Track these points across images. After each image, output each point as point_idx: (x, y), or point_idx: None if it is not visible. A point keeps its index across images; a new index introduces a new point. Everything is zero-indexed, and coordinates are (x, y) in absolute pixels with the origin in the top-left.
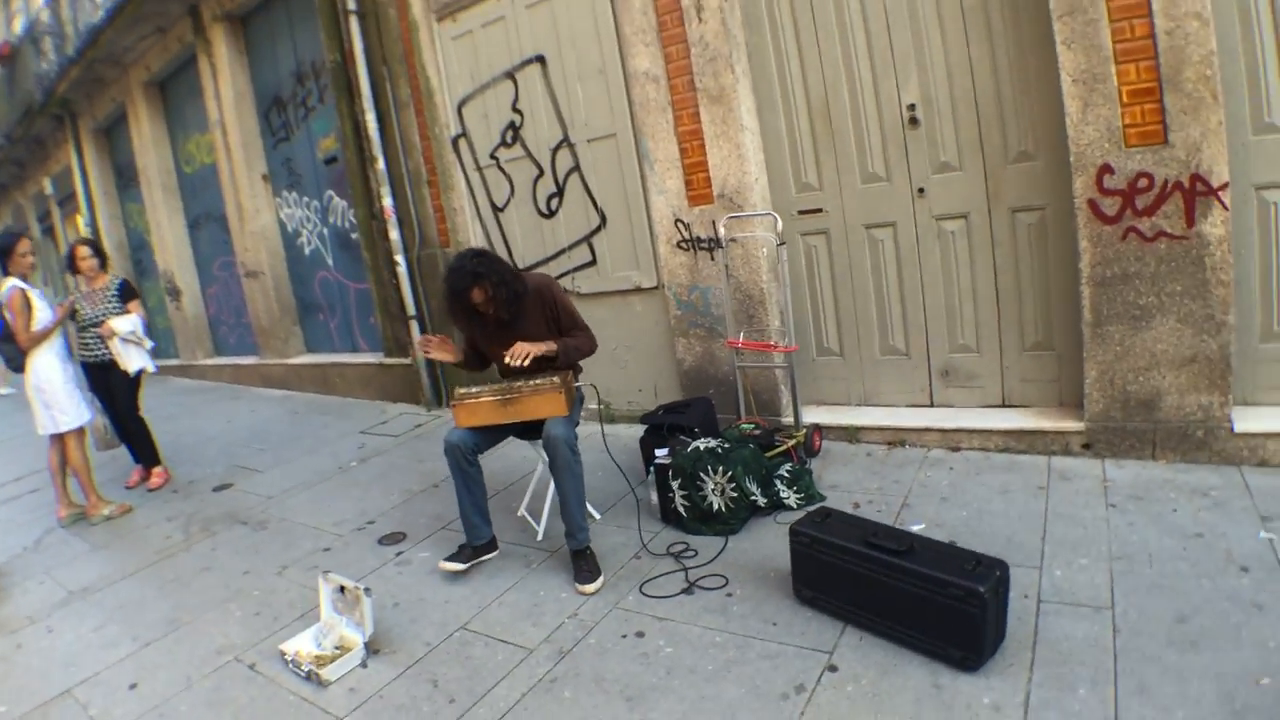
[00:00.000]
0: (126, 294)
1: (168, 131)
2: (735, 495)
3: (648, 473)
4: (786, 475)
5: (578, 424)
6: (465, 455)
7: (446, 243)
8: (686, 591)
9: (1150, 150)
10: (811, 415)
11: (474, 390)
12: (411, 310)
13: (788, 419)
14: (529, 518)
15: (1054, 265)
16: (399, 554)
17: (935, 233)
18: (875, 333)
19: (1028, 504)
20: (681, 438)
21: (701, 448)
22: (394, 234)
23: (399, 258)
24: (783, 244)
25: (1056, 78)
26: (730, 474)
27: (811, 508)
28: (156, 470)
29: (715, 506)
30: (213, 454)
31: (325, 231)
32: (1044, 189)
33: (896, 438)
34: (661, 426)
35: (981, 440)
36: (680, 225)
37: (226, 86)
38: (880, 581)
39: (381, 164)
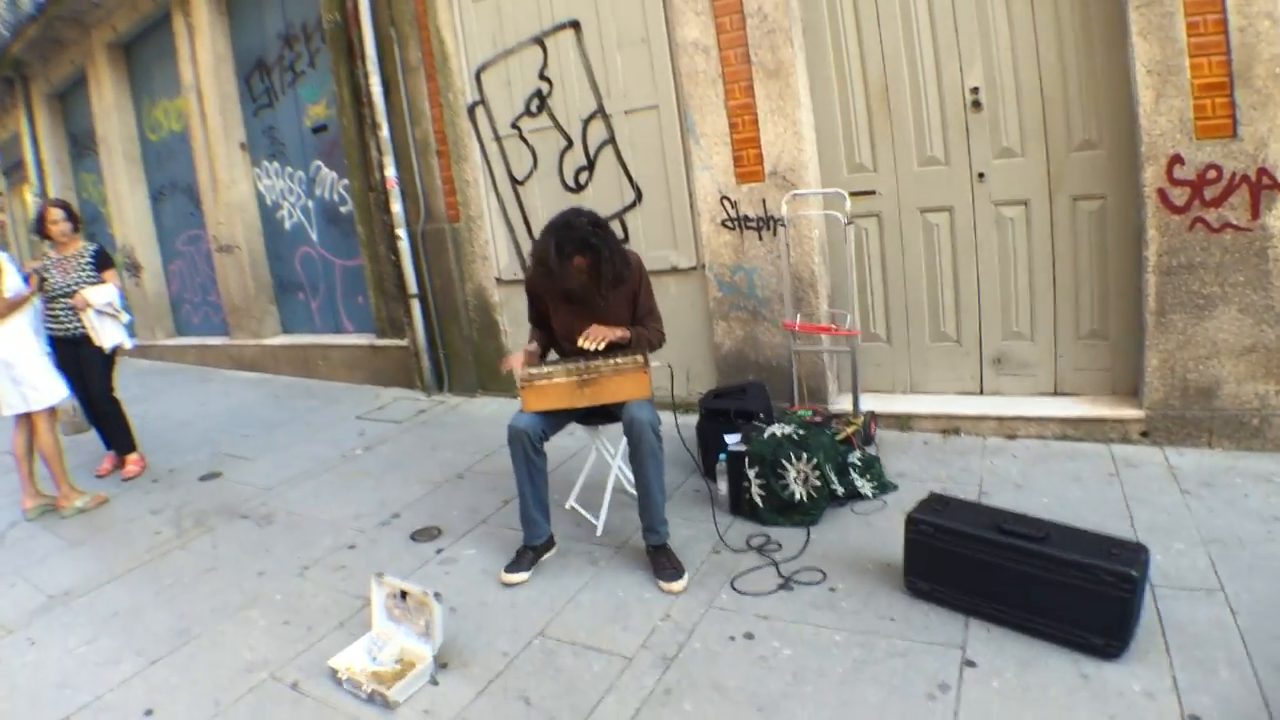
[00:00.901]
0: (102, 262)
1: (132, 97)
2: (819, 484)
3: (702, 460)
4: (859, 463)
5: None
6: (533, 443)
7: (455, 217)
8: (784, 587)
9: (1219, 143)
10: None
11: (545, 370)
12: (414, 288)
13: (836, 405)
14: (582, 510)
15: (1113, 254)
16: (439, 551)
17: (994, 219)
18: (926, 319)
19: (1104, 491)
20: (754, 424)
21: (779, 434)
22: (396, 206)
23: (401, 231)
24: (850, 223)
25: (1126, 67)
26: (814, 461)
27: (887, 496)
28: (132, 457)
29: (797, 496)
30: (190, 440)
31: (310, 205)
32: (1107, 178)
33: (950, 425)
34: (727, 412)
35: (1039, 428)
36: (726, 203)
37: (204, 49)
38: (1014, 570)
39: (386, 131)
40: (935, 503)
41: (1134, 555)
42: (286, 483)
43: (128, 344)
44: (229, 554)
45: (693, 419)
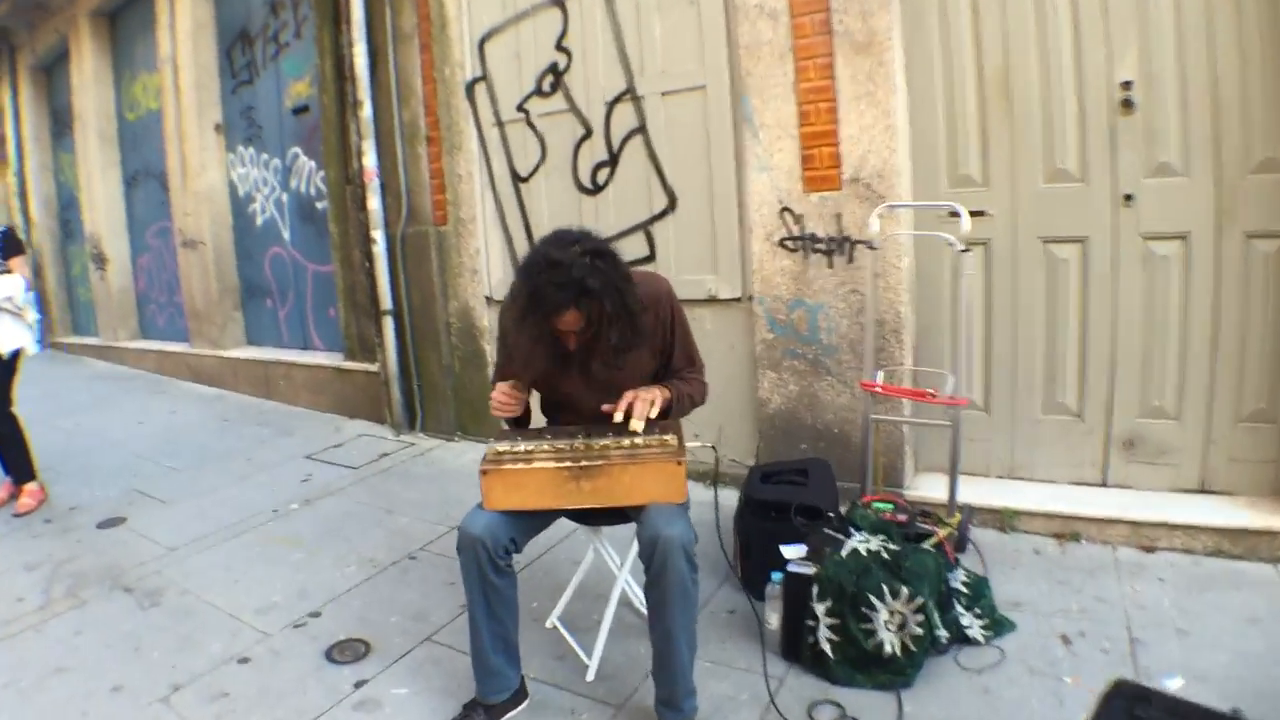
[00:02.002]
0: (9, 247)
1: (113, 69)
2: (919, 631)
3: (740, 566)
4: (964, 590)
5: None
6: (494, 557)
7: (442, 219)
8: None
9: None
10: (940, 488)
11: (520, 449)
12: (387, 303)
13: (914, 491)
14: (567, 635)
15: None
16: (359, 684)
17: (1140, 256)
18: (1038, 383)
19: None
20: (825, 531)
21: (863, 552)
22: (374, 203)
23: (377, 234)
24: (967, 250)
25: None
26: (917, 599)
27: (1003, 639)
28: (28, 488)
29: (887, 648)
30: (111, 467)
31: (284, 198)
32: None
33: (1067, 529)
34: (782, 508)
35: (1185, 538)
36: (788, 216)
37: (184, 14)
38: None
39: (368, 110)
40: (1130, 699)
41: None
42: (195, 543)
43: (31, 349)
44: (90, 648)
45: (719, 497)
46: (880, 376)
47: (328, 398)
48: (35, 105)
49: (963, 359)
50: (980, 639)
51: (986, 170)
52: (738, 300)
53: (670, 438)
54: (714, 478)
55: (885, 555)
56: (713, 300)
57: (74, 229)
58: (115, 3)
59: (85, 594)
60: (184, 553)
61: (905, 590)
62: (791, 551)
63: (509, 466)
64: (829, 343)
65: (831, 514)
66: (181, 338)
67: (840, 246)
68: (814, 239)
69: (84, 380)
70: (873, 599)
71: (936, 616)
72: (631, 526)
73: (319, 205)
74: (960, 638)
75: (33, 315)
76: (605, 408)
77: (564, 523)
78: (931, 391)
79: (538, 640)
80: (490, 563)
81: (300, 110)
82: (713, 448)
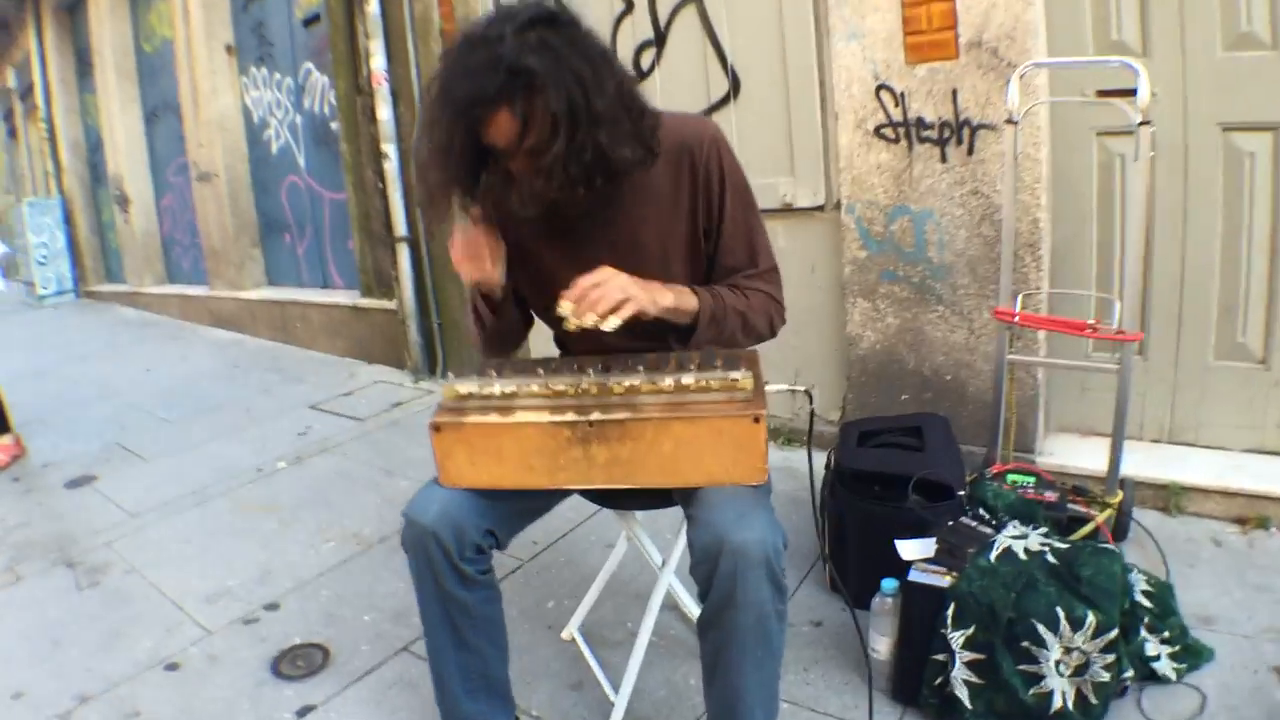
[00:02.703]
0: None
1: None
2: (1106, 678)
3: (832, 560)
4: (1146, 605)
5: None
6: (457, 562)
7: None
8: None
9: None
10: (1079, 454)
11: (494, 390)
12: (402, 229)
13: (1048, 458)
14: (588, 654)
15: None
16: (304, 712)
17: None
18: (1211, 320)
19: None
20: (960, 520)
21: (1020, 551)
22: (384, 112)
23: (389, 147)
24: (1146, 123)
25: None
26: (1108, 633)
27: (1196, 675)
28: (1, 442)
29: (1057, 699)
30: (101, 419)
31: (298, 121)
32: None
33: (1252, 511)
34: (889, 481)
35: None
36: (886, 96)
37: None
38: None
39: (375, 5)
40: None
41: None
42: (160, 509)
43: None
44: (6, 638)
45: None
46: (1018, 303)
47: (344, 340)
48: (60, 47)
49: (1130, 280)
50: (1170, 675)
51: (1146, 34)
52: (820, 209)
53: (741, 375)
54: (808, 434)
55: (1052, 559)
56: (788, 210)
57: (102, 173)
58: None
59: (24, 568)
60: (145, 520)
61: (1091, 617)
62: (913, 550)
63: (475, 419)
64: (941, 262)
65: (962, 491)
66: (204, 281)
67: (956, 133)
68: (921, 124)
69: (105, 328)
70: (1041, 629)
71: (1123, 647)
72: (671, 513)
73: (333, 126)
74: (1147, 673)
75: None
76: (562, 299)
77: (577, 500)
78: (1092, 323)
79: (549, 656)
80: (452, 569)
81: (311, 21)
82: (806, 392)
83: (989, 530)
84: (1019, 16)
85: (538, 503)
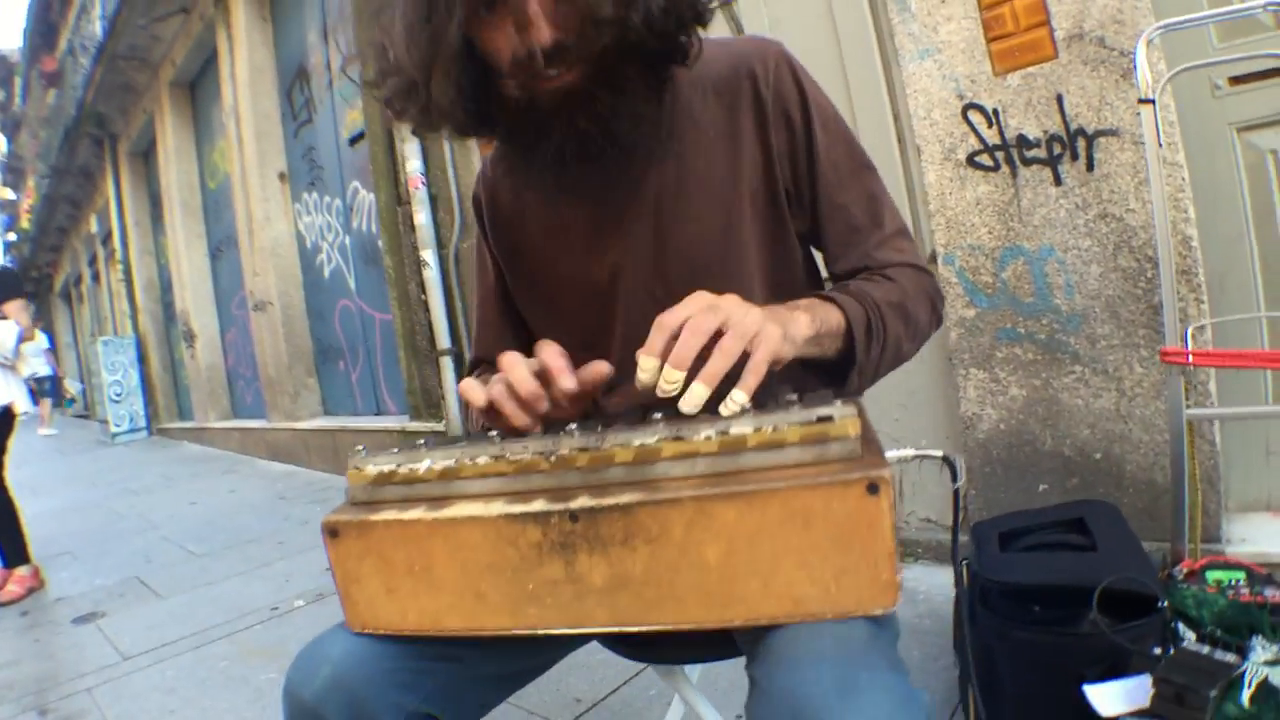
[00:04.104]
0: (3, 290)
1: (194, 139)
2: None
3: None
4: None
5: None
6: None
7: None
8: None
9: None
10: (1275, 535)
11: (420, 466)
12: (444, 340)
13: (1236, 547)
14: None
15: None
16: None
17: None
18: None
19: None
20: (1180, 648)
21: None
22: (422, 217)
23: (428, 254)
24: None
25: None
26: None
27: None
28: (18, 573)
29: None
30: (129, 552)
31: (347, 241)
32: None
33: None
34: (1068, 595)
35: None
36: (976, 117)
37: (242, 61)
38: None
39: None
40: None
41: None
42: (157, 650)
43: (22, 407)
44: None
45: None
46: (1190, 338)
47: None
48: (135, 191)
49: None
50: None
51: None
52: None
53: (838, 411)
54: (953, 526)
55: None
56: None
57: (174, 312)
58: (192, 72)
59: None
60: (137, 663)
61: None
62: (1114, 699)
63: (390, 516)
64: (1072, 309)
65: (1163, 603)
66: (262, 413)
67: (1070, 147)
68: (1024, 144)
69: (165, 463)
70: None
71: None
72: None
73: (379, 243)
74: None
75: (29, 368)
76: (641, 356)
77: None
78: None
79: None
80: None
81: (357, 139)
82: (945, 458)
83: (1230, 658)
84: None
85: (512, 657)
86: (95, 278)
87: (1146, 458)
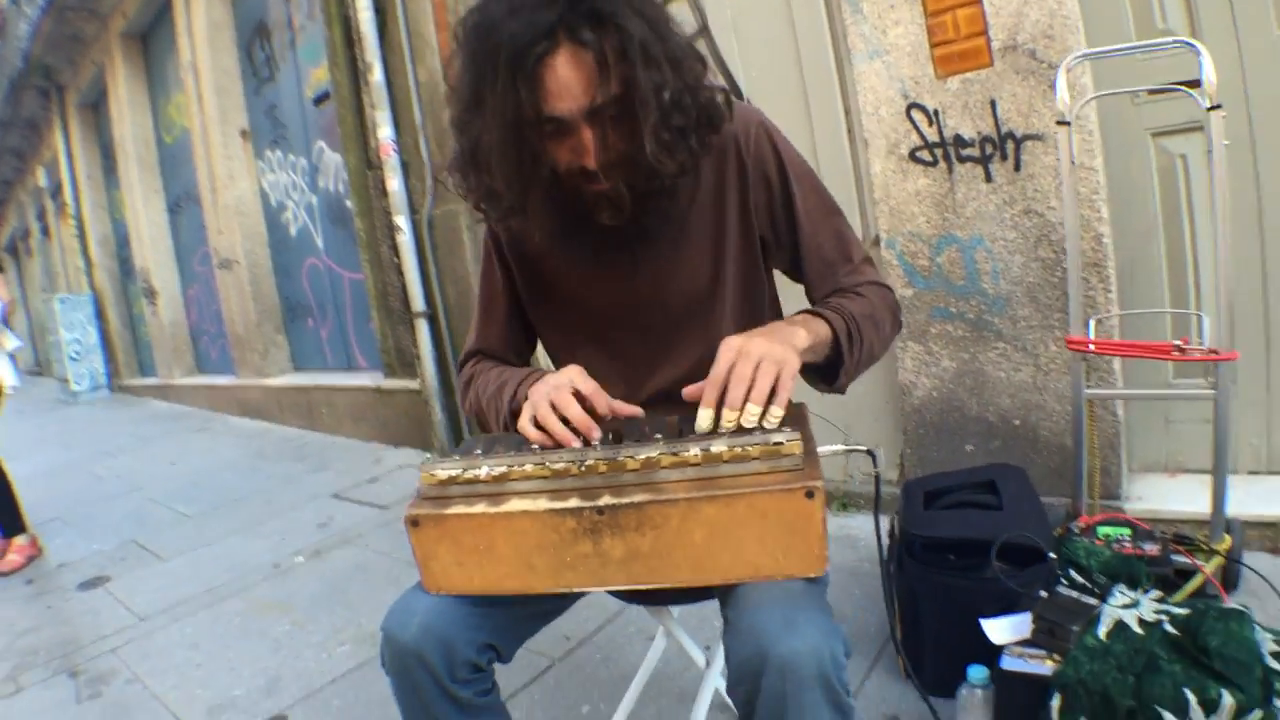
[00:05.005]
0: None
1: (148, 92)
2: None
3: (903, 639)
4: (1276, 668)
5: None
6: (448, 685)
7: None
8: None
9: None
10: (1170, 495)
11: (481, 472)
12: (419, 304)
13: (1137, 503)
14: None
15: None
16: None
17: None
18: None
19: None
20: (1054, 591)
21: (1133, 624)
22: (394, 183)
23: (401, 220)
24: (1217, 107)
25: None
26: (1243, 711)
27: None
28: (17, 543)
29: None
30: (121, 515)
31: (314, 201)
32: None
33: None
34: (974, 546)
35: None
36: (919, 115)
37: (200, 15)
38: None
39: (379, 74)
40: None
41: None
42: (171, 610)
43: (9, 381)
44: None
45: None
46: (1091, 328)
47: (369, 425)
48: (85, 144)
49: (1215, 293)
50: None
51: (1193, 17)
52: None
53: (787, 437)
54: (874, 501)
55: (1172, 629)
56: None
57: (131, 268)
58: (144, 21)
59: (26, 677)
60: (155, 623)
61: (1228, 698)
62: (1004, 630)
63: (459, 510)
64: (997, 293)
65: (1050, 553)
66: (231, 370)
67: (1000, 148)
68: (960, 143)
69: (134, 422)
70: (1169, 718)
71: None
72: (708, 606)
73: (348, 204)
74: None
75: (12, 342)
76: (687, 392)
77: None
78: (1179, 344)
79: None
80: (443, 694)
81: (321, 99)
82: (869, 452)
83: (1093, 601)
84: (1054, 12)
85: (548, 604)
86: (45, 231)
87: (1058, 425)
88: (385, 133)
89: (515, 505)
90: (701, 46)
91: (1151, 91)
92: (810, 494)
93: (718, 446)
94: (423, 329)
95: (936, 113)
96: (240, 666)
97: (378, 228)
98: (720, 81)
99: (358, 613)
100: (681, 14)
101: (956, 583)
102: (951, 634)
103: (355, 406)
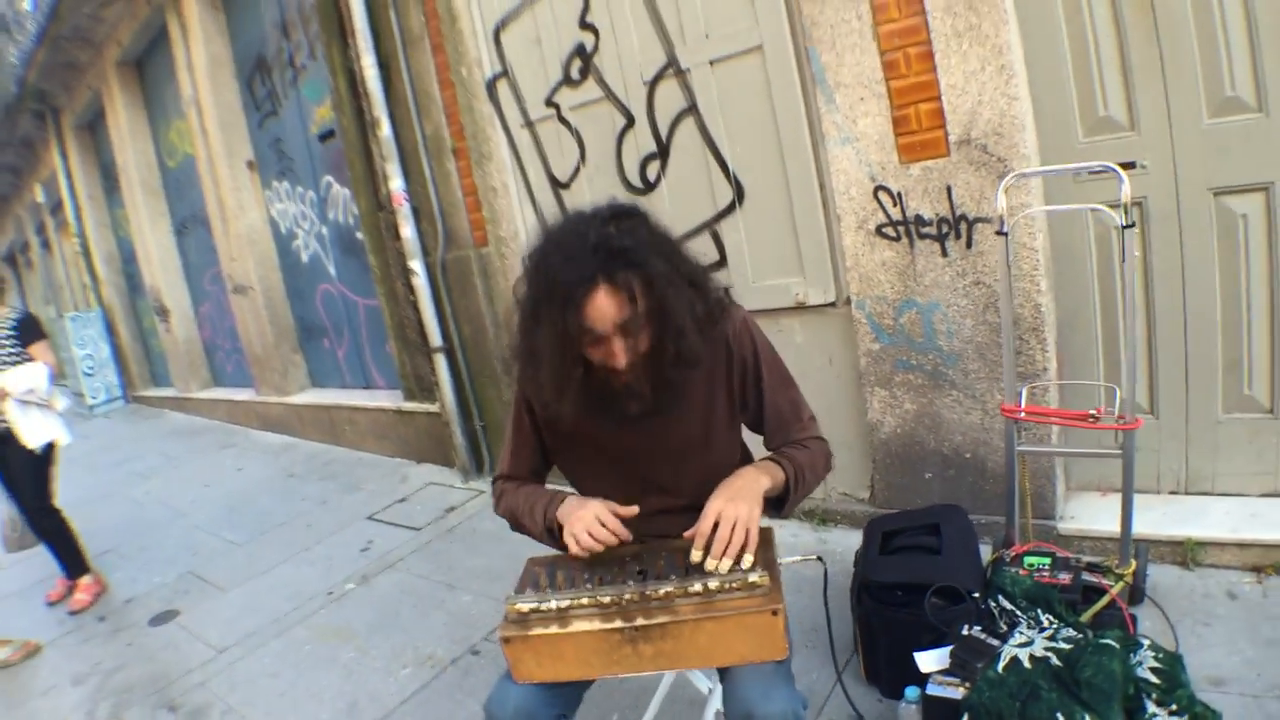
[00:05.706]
0: (27, 333)
1: (148, 119)
2: None
3: (864, 660)
4: (1154, 681)
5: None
6: None
7: (482, 239)
8: None
9: None
10: (1101, 515)
11: (551, 606)
12: (436, 339)
13: (1069, 524)
14: None
15: None
16: None
17: None
18: (1217, 376)
19: None
20: (970, 632)
21: (1024, 660)
22: (407, 230)
23: (415, 264)
24: (1130, 226)
25: None
26: None
27: None
28: (83, 582)
29: None
30: (171, 545)
31: (324, 231)
32: None
33: (1267, 560)
34: (909, 590)
35: None
36: (884, 196)
37: (199, 50)
38: None
39: (386, 128)
40: None
41: None
42: (246, 641)
43: (64, 439)
44: None
45: (831, 538)
46: (1023, 395)
47: (392, 442)
48: (84, 164)
49: (1127, 365)
50: None
51: (1132, 108)
52: (832, 305)
53: (758, 575)
54: (824, 584)
55: (1057, 662)
56: (802, 307)
57: (139, 282)
58: (138, 49)
59: (129, 715)
60: (233, 655)
61: (1085, 714)
62: (930, 662)
63: (539, 631)
64: (950, 349)
65: (974, 592)
66: (248, 384)
67: (954, 228)
68: (920, 222)
69: (156, 438)
70: None
71: None
72: None
73: (358, 236)
74: None
75: (61, 403)
76: (687, 535)
77: None
78: (1093, 413)
79: None
80: None
81: (326, 136)
82: (818, 559)
83: (995, 642)
84: (1004, 112)
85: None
86: (45, 245)
87: (1001, 459)
88: (396, 184)
89: (577, 626)
90: (690, 124)
91: (1092, 173)
92: (775, 613)
93: (713, 583)
94: (441, 362)
95: (900, 195)
96: (320, 693)
97: (391, 265)
98: (721, 285)
99: (413, 636)
100: (672, 95)
101: (900, 617)
102: (899, 656)
103: (377, 425)
